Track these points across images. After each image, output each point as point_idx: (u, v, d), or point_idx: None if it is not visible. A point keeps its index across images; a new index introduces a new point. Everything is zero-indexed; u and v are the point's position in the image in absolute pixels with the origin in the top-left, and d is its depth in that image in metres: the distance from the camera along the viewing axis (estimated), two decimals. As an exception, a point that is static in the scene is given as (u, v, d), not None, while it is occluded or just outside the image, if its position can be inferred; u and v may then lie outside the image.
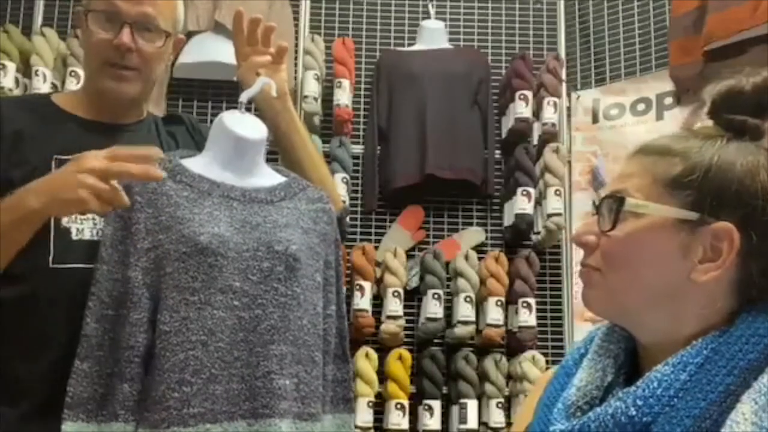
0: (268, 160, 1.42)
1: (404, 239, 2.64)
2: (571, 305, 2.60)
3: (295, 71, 2.66)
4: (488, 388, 2.45)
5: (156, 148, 1.19)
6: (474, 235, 2.68)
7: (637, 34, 2.77)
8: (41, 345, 1.25)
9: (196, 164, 1.32)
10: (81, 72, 2.43)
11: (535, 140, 2.67)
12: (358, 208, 2.67)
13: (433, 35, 2.75)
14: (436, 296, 2.46)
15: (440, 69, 2.66)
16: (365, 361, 2.41)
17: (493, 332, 2.45)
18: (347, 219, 2.45)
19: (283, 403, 1.22)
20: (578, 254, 0.82)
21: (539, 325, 2.52)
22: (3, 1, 2.67)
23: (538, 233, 2.61)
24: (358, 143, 2.71)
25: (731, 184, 0.72)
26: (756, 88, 0.75)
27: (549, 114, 2.61)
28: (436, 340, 2.55)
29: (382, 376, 2.45)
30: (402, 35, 2.81)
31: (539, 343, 2.54)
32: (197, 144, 1.44)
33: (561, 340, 2.60)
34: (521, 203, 2.55)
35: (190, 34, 2.48)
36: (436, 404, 2.42)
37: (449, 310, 2.53)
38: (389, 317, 2.45)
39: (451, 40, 2.80)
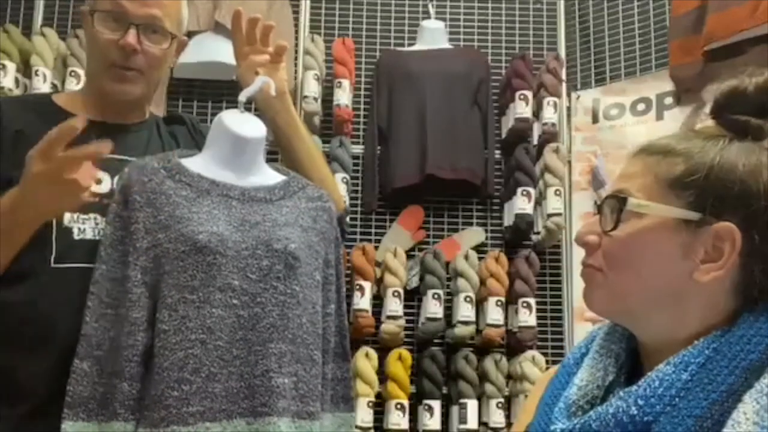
0: (268, 161, 1.43)
1: (404, 239, 2.64)
2: (571, 305, 2.60)
3: (295, 71, 2.66)
4: (488, 388, 2.45)
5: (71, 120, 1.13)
6: (474, 235, 2.68)
7: (637, 34, 2.76)
8: (42, 345, 1.25)
9: (196, 163, 1.33)
10: (81, 72, 2.43)
11: (535, 140, 2.67)
12: (358, 208, 2.66)
13: (433, 35, 2.75)
14: (436, 296, 2.46)
15: (440, 69, 2.66)
16: (365, 361, 2.41)
17: (493, 332, 2.45)
18: (347, 219, 2.45)
19: (282, 402, 1.22)
20: (578, 254, 0.82)
21: (539, 325, 2.52)
22: (3, 1, 2.67)
23: (538, 233, 2.61)
24: (358, 143, 2.70)
25: (733, 185, 0.72)
26: (759, 88, 0.75)
27: (549, 114, 2.61)
28: (436, 340, 2.54)
29: (382, 376, 2.45)
30: (402, 35, 2.81)
31: (539, 343, 2.54)
32: (198, 144, 1.44)
33: (561, 340, 2.60)
34: (521, 203, 2.55)
35: (190, 34, 2.47)
36: (436, 404, 2.42)
37: (449, 310, 2.52)
38: (389, 317, 2.45)
39: (451, 40, 2.80)
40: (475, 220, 2.70)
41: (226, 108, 2.19)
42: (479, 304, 2.52)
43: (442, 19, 2.80)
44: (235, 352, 1.21)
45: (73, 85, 2.44)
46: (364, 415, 2.33)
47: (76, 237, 1.29)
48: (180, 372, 1.17)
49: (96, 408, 1.18)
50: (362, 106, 2.75)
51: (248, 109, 1.39)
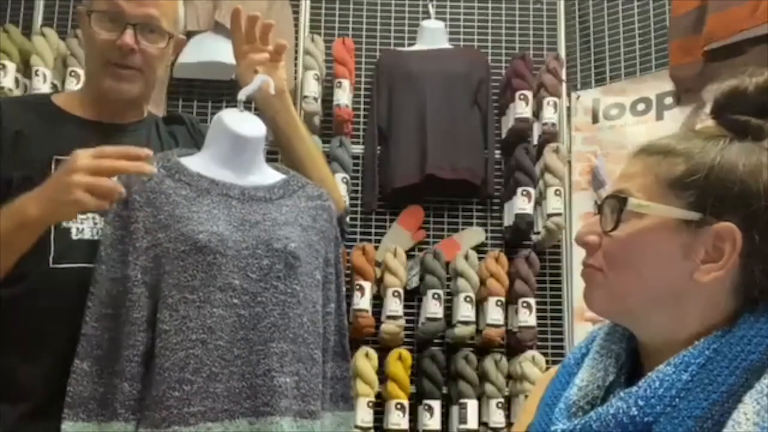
0: (267, 161, 1.42)
1: (404, 239, 2.64)
2: (571, 305, 2.60)
3: (295, 71, 2.66)
4: (488, 388, 2.44)
5: (146, 149, 1.19)
6: (474, 235, 2.68)
7: (637, 34, 2.76)
8: (41, 345, 1.25)
9: (195, 163, 1.32)
10: (81, 72, 2.43)
11: (535, 140, 2.67)
12: (358, 208, 2.66)
13: (433, 35, 2.75)
14: (436, 296, 2.46)
15: (440, 69, 2.66)
16: (365, 360, 2.41)
17: (493, 332, 2.45)
18: (347, 219, 2.45)
19: (284, 401, 1.22)
20: (579, 254, 0.82)
21: (539, 325, 2.52)
22: (3, 1, 2.67)
23: (538, 233, 2.61)
24: (358, 143, 2.70)
25: (734, 185, 0.72)
26: (759, 88, 0.75)
27: (549, 114, 2.61)
28: (436, 340, 2.54)
29: (382, 376, 2.45)
30: (402, 35, 2.81)
31: (539, 343, 2.54)
32: (197, 144, 1.44)
33: (561, 340, 2.60)
34: (521, 203, 2.55)
35: (190, 34, 2.48)
36: (436, 404, 2.42)
37: (449, 310, 2.52)
38: (389, 317, 2.45)
39: (451, 40, 2.80)
40: (475, 220, 2.70)
41: (226, 108, 2.19)
42: (479, 304, 2.52)
43: (442, 19, 2.80)
44: (236, 352, 1.21)
45: (73, 85, 2.44)
46: (364, 415, 2.33)
47: (74, 237, 1.29)
48: (181, 372, 1.17)
49: (96, 408, 1.18)
50: (362, 106, 2.75)
51: (248, 108, 1.39)
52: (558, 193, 2.54)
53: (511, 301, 2.52)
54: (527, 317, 2.46)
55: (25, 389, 1.24)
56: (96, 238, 1.28)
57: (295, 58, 2.68)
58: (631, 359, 0.81)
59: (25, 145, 1.31)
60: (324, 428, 1.33)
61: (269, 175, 1.38)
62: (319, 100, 2.62)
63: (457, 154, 2.60)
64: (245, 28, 1.44)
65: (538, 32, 2.83)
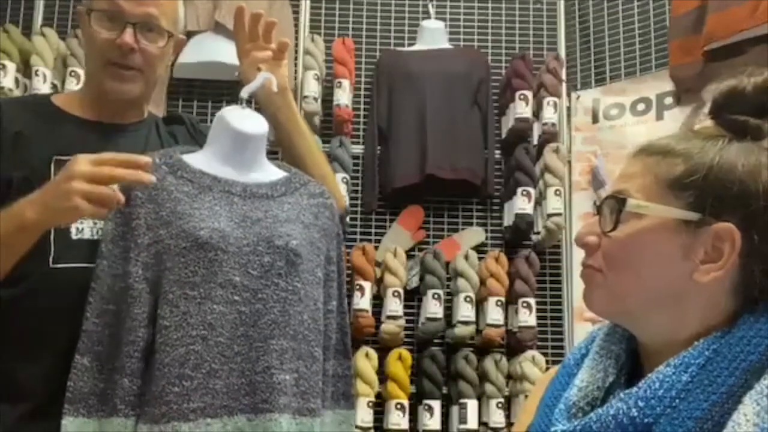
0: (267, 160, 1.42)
1: (404, 239, 2.64)
2: (571, 305, 2.60)
3: (295, 71, 2.66)
4: (488, 388, 2.45)
5: (145, 157, 1.19)
6: (474, 235, 2.68)
7: (637, 34, 2.76)
8: (41, 345, 1.25)
9: (197, 160, 1.32)
10: (81, 72, 2.43)
11: (535, 140, 2.67)
12: (358, 208, 2.66)
13: (433, 35, 2.75)
14: (436, 296, 2.46)
15: (440, 69, 2.66)
16: (365, 360, 2.41)
17: (493, 332, 2.45)
18: (347, 219, 2.45)
19: (283, 398, 1.22)
20: (578, 254, 0.82)
21: (539, 325, 2.52)
22: (3, 1, 2.67)
23: (538, 233, 2.61)
24: (358, 143, 2.71)
25: (733, 185, 0.72)
26: (757, 88, 0.75)
27: (549, 114, 2.61)
28: (436, 340, 2.55)
29: (382, 376, 2.45)
30: (402, 35, 2.81)
31: (539, 343, 2.54)
32: (198, 143, 1.43)
33: (561, 340, 2.60)
34: (521, 203, 2.55)
35: (190, 34, 2.48)
36: (436, 404, 2.42)
37: (449, 310, 2.53)
38: (389, 317, 2.45)
39: (451, 40, 2.80)
40: (475, 220, 2.70)
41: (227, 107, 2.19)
42: (479, 304, 2.52)
43: (442, 19, 2.80)
44: (236, 349, 1.21)
45: (73, 85, 2.45)
46: (364, 415, 2.33)
47: (74, 237, 1.29)
48: (181, 368, 1.17)
49: (96, 404, 1.18)
50: (362, 106, 2.75)
51: (250, 106, 1.39)
52: (558, 193, 2.54)
53: (511, 301, 2.52)
54: (527, 317, 2.47)
55: (25, 389, 1.24)
56: (96, 238, 1.28)
57: (295, 58, 2.68)
58: (630, 360, 0.81)
59: (25, 145, 1.31)
60: (325, 426, 1.33)
61: (271, 173, 1.38)
62: (319, 100, 2.62)
63: (457, 154, 2.60)
64: (248, 26, 1.44)
65: (538, 32, 2.83)
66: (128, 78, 1.35)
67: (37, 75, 2.46)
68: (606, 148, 2.69)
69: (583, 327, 2.52)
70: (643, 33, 2.75)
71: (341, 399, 1.41)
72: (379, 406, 2.44)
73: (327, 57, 2.70)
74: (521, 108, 2.61)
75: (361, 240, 2.62)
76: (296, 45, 2.70)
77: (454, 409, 2.47)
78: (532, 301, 2.48)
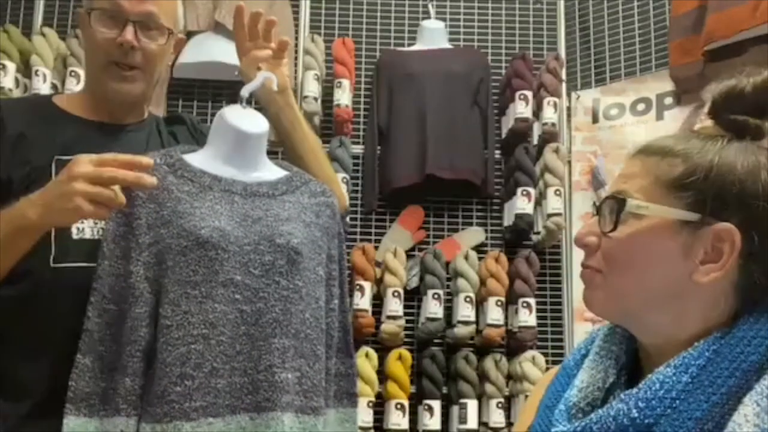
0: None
1: (404, 239, 2.64)
2: (571, 305, 2.60)
3: (295, 71, 2.66)
4: (488, 388, 2.44)
5: (147, 158, 1.19)
6: (474, 235, 2.68)
7: (637, 34, 2.76)
8: (42, 344, 1.25)
9: (198, 159, 1.32)
10: (81, 72, 2.43)
11: (535, 140, 2.67)
12: (358, 208, 2.66)
13: (433, 35, 2.75)
14: (436, 296, 2.45)
15: (440, 69, 2.66)
16: (365, 361, 2.41)
17: (493, 332, 2.45)
18: (347, 219, 2.45)
19: (286, 397, 1.22)
20: (578, 254, 0.82)
21: (539, 325, 2.52)
22: (3, 1, 2.67)
23: (538, 233, 2.61)
24: (358, 143, 2.70)
25: (732, 185, 0.72)
26: (756, 88, 0.75)
27: (549, 114, 2.61)
28: (436, 340, 2.54)
29: (382, 376, 2.45)
30: (402, 35, 2.81)
31: (539, 343, 2.54)
32: (199, 143, 1.43)
33: (561, 340, 2.60)
34: (521, 203, 2.55)
35: (190, 34, 2.48)
36: (436, 404, 2.42)
37: (449, 310, 2.52)
38: (389, 317, 2.45)
39: (451, 40, 2.80)
40: (475, 220, 2.70)
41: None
42: (479, 304, 2.52)
43: (442, 19, 2.80)
44: (237, 348, 1.21)
45: (73, 85, 2.44)
46: (364, 415, 2.33)
47: (74, 237, 1.29)
48: (182, 367, 1.17)
49: (98, 403, 1.18)
50: (362, 106, 2.75)
51: (251, 105, 1.39)
52: (558, 193, 2.54)
53: (511, 301, 2.52)
54: (527, 317, 2.46)
55: (27, 388, 1.24)
56: (96, 237, 1.28)
57: (295, 58, 2.68)
58: (631, 360, 0.81)
59: (26, 145, 1.31)
60: (328, 425, 1.33)
61: (272, 171, 1.38)
62: (319, 100, 2.62)
63: (457, 154, 2.60)
64: (248, 25, 1.44)
65: (538, 32, 2.83)
66: (129, 78, 1.35)
67: (37, 75, 2.46)
68: (606, 148, 2.69)
69: (583, 327, 2.52)
70: (643, 33, 2.75)
71: (344, 397, 1.41)
72: (379, 406, 2.44)
73: (327, 57, 2.70)
74: (521, 108, 2.61)
75: (361, 240, 2.62)
76: (296, 45, 2.70)
77: (454, 409, 2.47)
78: (532, 301, 2.48)
